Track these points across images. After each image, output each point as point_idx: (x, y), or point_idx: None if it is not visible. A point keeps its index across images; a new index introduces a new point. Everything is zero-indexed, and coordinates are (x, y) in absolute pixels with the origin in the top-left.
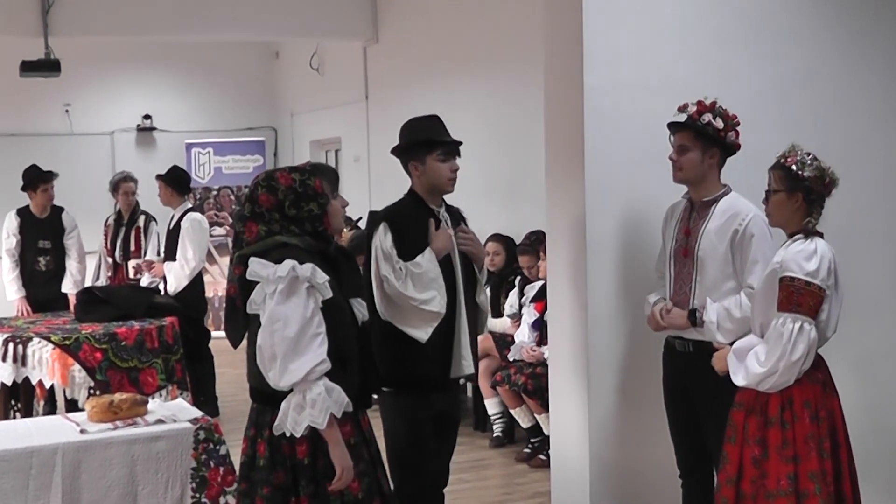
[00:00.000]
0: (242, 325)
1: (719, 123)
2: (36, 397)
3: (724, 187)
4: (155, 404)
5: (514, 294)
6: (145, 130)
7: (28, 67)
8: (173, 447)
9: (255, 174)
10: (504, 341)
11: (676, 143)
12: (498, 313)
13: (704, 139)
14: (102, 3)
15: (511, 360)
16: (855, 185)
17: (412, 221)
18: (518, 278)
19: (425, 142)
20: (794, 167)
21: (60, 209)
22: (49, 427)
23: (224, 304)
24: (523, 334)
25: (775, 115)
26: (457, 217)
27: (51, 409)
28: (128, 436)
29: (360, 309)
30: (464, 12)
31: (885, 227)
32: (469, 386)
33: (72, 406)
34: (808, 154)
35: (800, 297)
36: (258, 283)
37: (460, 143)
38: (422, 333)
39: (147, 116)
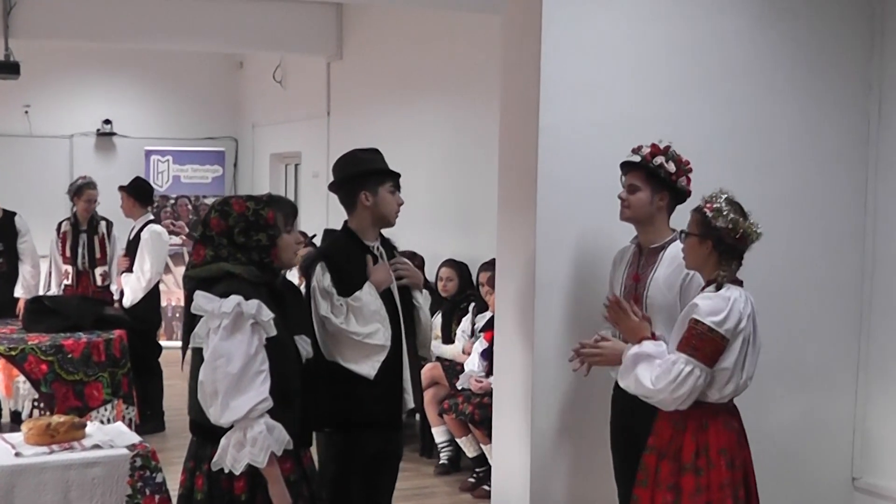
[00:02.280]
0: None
1: (671, 167)
2: None
3: (672, 233)
4: (93, 427)
5: (466, 320)
6: (105, 135)
7: None
8: (109, 473)
9: (213, 185)
10: (454, 369)
11: (627, 182)
12: (449, 339)
13: (655, 181)
14: (65, 8)
15: (459, 388)
16: (802, 232)
17: (349, 258)
18: (472, 304)
19: (380, 172)
20: (708, 213)
21: (13, 213)
22: None
23: (177, 314)
24: (473, 363)
25: (727, 160)
26: (390, 248)
27: None
28: (63, 461)
29: (304, 346)
30: (428, 36)
31: (828, 278)
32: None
33: (16, 417)
34: (730, 203)
35: (699, 341)
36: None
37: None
38: (368, 369)
39: (107, 121)
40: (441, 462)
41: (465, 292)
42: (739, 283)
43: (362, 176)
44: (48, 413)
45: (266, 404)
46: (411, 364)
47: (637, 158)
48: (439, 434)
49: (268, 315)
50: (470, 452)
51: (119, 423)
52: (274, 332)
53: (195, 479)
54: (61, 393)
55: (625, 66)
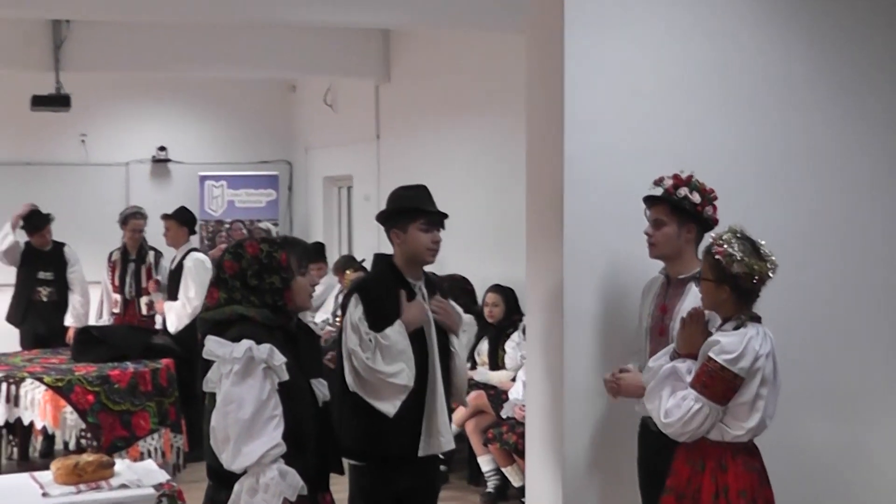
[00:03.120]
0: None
1: (696, 198)
2: (34, 433)
3: (700, 263)
4: (123, 465)
5: (512, 348)
6: (160, 162)
7: (39, 102)
8: None
9: (267, 208)
10: (499, 398)
11: (652, 217)
12: (496, 366)
13: (680, 213)
14: (115, 40)
15: (504, 417)
16: (841, 252)
17: (385, 293)
18: (518, 331)
19: (408, 210)
20: (722, 260)
21: (62, 244)
22: (13, 488)
23: None
24: (517, 392)
25: (758, 179)
26: (434, 287)
27: (48, 446)
28: (90, 501)
29: (320, 389)
30: (473, 55)
31: (871, 298)
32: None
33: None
34: (742, 242)
35: (709, 378)
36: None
37: (445, 215)
38: (389, 407)
39: (162, 148)
40: (488, 491)
41: (511, 318)
42: (758, 319)
43: (392, 214)
44: (95, 444)
45: (279, 450)
46: (447, 400)
47: (659, 191)
48: (485, 463)
49: (280, 359)
50: (516, 482)
51: (149, 462)
52: (286, 377)
53: None
54: (108, 423)
55: (649, 89)
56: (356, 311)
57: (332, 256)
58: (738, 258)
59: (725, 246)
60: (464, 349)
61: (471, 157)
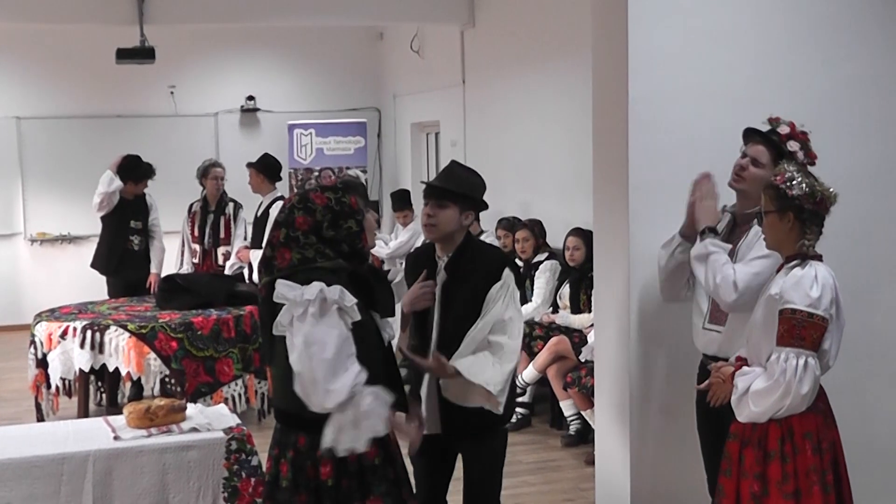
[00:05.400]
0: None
1: (801, 157)
2: (122, 380)
3: None
4: (194, 410)
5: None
6: (249, 111)
7: (123, 55)
8: (205, 457)
9: (356, 155)
10: (583, 342)
11: (751, 153)
12: (577, 309)
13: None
14: None
15: (582, 360)
16: None
17: (416, 268)
18: None
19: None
20: (782, 186)
21: (143, 192)
22: (86, 432)
23: None
24: (594, 335)
25: (829, 125)
26: (474, 264)
27: (137, 391)
28: (160, 444)
29: (387, 330)
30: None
31: None
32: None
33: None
34: (799, 171)
35: (802, 329)
36: (283, 304)
37: (434, 186)
38: None
39: (250, 98)
40: (569, 433)
41: (592, 261)
42: (819, 258)
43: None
44: (178, 389)
45: (363, 376)
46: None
47: (767, 127)
48: (567, 407)
49: (351, 300)
50: (595, 425)
51: (221, 406)
52: (358, 317)
53: (280, 466)
54: (192, 369)
55: (716, 28)
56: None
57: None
58: (798, 180)
59: (783, 174)
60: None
61: (554, 102)
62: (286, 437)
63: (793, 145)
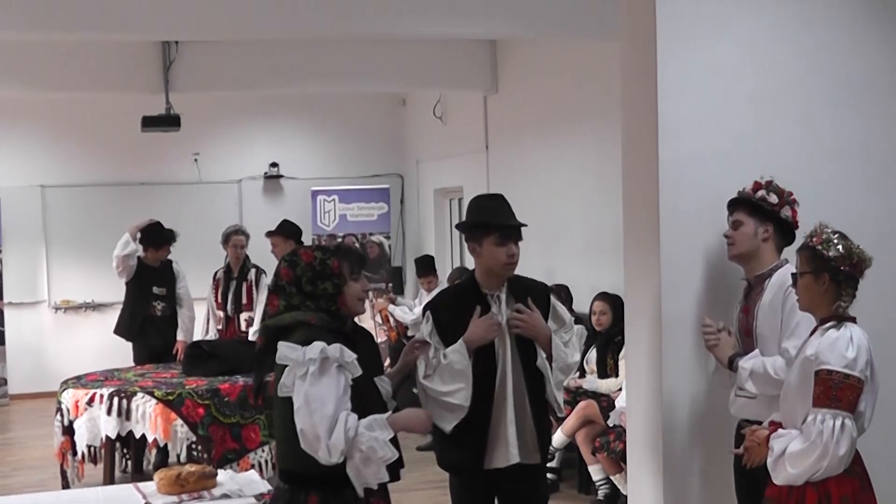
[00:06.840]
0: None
1: (773, 199)
2: (148, 446)
3: (779, 261)
4: (225, 476)
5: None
6: (272, 178)
7: (149, 123)
8: None
9: (379, 221)
10: (611, 407)
11: (732, 220)
12: (604, 374)
13: (759, 213)
14: (224, 60)
15: (611, 425)
16: None
17: (458, 309)
18: None
19: (482, 224)
20: (819, 247)
21: (170, 260)
22: (116, 499)
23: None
24: (622, 400)
25: (860, 182)
26: (523, 292)
27: (162, 458)
28: None
29: (384, 386)
30: (580, 65)
31: None
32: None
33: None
34: (836, 233)
35: (838, 391)
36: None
37: (521, 225)
38: (445, 424)
39: (274, 164)
40: (597, 498)
41: (619, 325)
42: (853, 320)
43: (467, 227)
44: (205, 455)
45: (353, 418)
46: (534, 414)
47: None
48: (595, 472)
49: (350, 356)
50: (625, 490)
51: (251, 472)
52: (359, 372)
53: None
54: (218, 436)
55: (743, 91)
56: (426, 326)
57: (446, 268)
58: (835, 242)
59: (820, 235)
60: (580, 339)
61: (578, 165)
62: (295, 497)
63: (759, 194)
